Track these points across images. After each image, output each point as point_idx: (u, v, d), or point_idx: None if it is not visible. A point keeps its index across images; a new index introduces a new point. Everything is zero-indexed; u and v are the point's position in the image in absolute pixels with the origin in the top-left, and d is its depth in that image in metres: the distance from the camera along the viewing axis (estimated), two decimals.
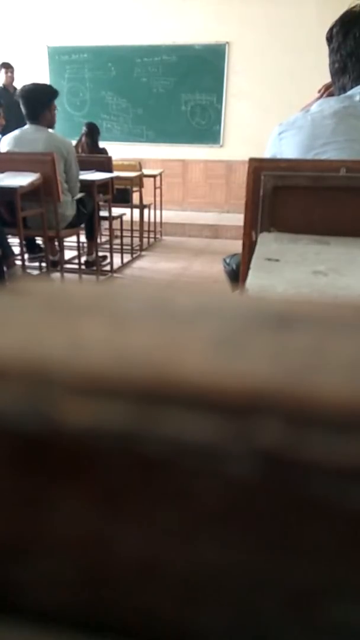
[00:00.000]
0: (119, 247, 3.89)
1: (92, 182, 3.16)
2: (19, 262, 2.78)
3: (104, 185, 3.36)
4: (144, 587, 0.13)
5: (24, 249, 2.87)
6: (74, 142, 3.53)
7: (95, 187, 3.17)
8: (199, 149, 5.77)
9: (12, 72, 4.92)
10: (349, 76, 1.11)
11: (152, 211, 4.43)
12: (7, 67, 4.90)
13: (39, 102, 2.85)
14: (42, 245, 3.14)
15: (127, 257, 3.96)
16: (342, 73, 1.12)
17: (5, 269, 2.66)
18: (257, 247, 0.87)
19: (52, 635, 0.14)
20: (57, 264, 3.16)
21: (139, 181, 4.06)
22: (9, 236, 2.72)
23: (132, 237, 4.07)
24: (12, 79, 4.93)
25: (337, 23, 1.12)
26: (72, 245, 3.58)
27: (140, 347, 0.14)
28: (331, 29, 1.13)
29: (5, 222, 2.69)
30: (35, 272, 3.24)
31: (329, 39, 1.13)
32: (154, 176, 4.37)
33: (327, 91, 1.26)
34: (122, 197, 3.85)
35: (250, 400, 0.12)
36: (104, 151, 4.31)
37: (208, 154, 5.76)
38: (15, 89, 4.93)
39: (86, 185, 3.11)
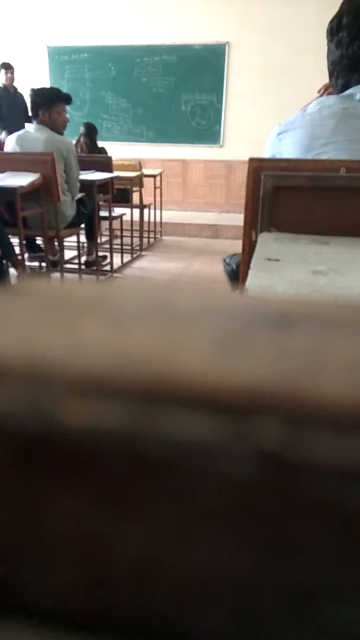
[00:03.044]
0: (119, 247, 3.89)
1: (92, 182, 3.16)
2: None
3: (104, 185, 3.36)
4: (143, 587, 0.13)
5: (25, 249, 2.88)
6: (73, 142, 3.54)
7: (95, 187, 3.17)
8: (198, 149, 5.77)
9: (12, 73, 4.93)
10: (358, 74, 1.04)
11: (152, 211, 4.43)
12: (7, 67, 4.91)
13: (40, 103, 2.90)
14: (42, 245, 3.14)
15: (127, 257, 3.96)
16: (348, 70, 1.06)
17: (6, 268, 2.66)
18: (257, 247, 0.87)
19: (52, 635, 0.14)
20: (57, 264, 3.16)
21: (139, 181, 4.06)
22: (9, 236, 2.72)
23: (132, 237, 4.07)
24: (13, 79, 4.94)
25: (349, 12, 1.02)
26: (72, 245, 3.59)
27: (140, 347, 0.14)
28: (339, 18, 1.03)
29: (6, 222, 2.69)
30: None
31: (335, 29, 1.04)
32: (154, 176, 4.37)
33: (327, 91, 1.26)
34: (122, 197, 3.85)
35: (251, 400, 0.12)
36: (103, 151, 4.31)
37: (208, 154, 5.76)
38: (15, 89, 4.94)
39: (86, 185, 3.11)
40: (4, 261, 2.63)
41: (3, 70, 4.89)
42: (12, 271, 2.75)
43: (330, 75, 1.12)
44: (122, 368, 0.13)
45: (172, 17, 5.44)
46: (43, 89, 2.99)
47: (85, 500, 0.13)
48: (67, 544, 0.13)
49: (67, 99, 3.01)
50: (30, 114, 3.05)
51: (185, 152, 5.80)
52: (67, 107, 3.05)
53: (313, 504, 0.11)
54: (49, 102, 2.92)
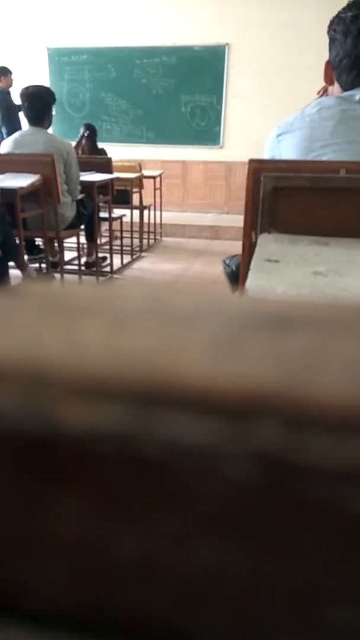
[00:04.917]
0: (118, 248, 3.89)
1: (92, 183, 3.16)
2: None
3: (104, 187, 3.36)
4: (143, 588, 0.13)
5: (24, 251, 2.88)
6: (73, 144, 3.53)
7: (95, 188, 3.17)
8: (198, 150, 5.77)
9: (9, 75, 4.98)
10: None
11: (152, 212, 4.43)
12: (6, 71, 4.95)
13: (45, 105, 2.87)
14: (42, 247, 3.14)
15: (127, 258, 3.96)
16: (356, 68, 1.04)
17: (7, 269, 2.66)
18: (257, 248, 0.87)
19: (51, 636, 0.14)
20: (57, 265, 3.16)
21: (138, 182, 4.06)
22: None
23: (132, 238, 4.07)
24: (11, 82, 4.98)
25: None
26: (72, 246, 3.58)
27: (140, 349, 0.14)
28: (352, 15, 1.02)
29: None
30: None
31: (347, 25, 1.02)
32: (154, 177, 4.37)
33: (326, 93, 1.26)
34: (122, 198, 3.85)
35: (249, 402, 0.12)
36: (102, 152, 4.31)
37: (208, 155, 5.76)
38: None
39: (86, 187, 3.11)
40: (6, 262, 2.63)
41: (6, 75, 4.94)
42: (13, 272, 2.75)
43: (335, 71, 1.09)
44: (122, 370, 0.13)
45: (172, 18, 5.44)
46: (40, 92, 2.88)
47: (85, 502, 0.13)
48: (67, 545, 0.13)
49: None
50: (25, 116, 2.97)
51: (185, 153, 5.80)
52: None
53: (312, 505, 0.11)
54: (51, 105, 2.92)
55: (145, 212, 4.28)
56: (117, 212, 3.85)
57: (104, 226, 3.76)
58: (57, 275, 3.14)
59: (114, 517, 0.13)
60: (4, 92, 4.93)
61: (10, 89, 4.93)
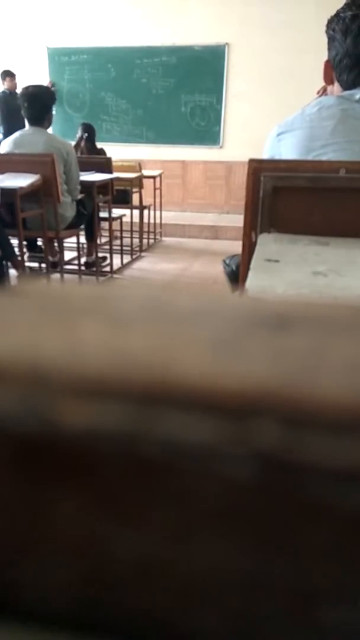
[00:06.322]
0: (118, 248, 3.89)
1: (92, 183, 3.16)
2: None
3: (104, 186, 3.36)
4: (142, 588, 0.13)
5: (25, 249, 2.88)
6: (72, 144, 3.53)
7: (95, 188, 3.17)
8: (198, 150, 5.77)
9: (13, 78, 5.03)
10: None
11: (151, 212, 4.43)
12: (9, 74, 4.99)
13: (45, 105, 2.87)
14: (42, 246, 3.14)
15: (127, 258, 3.96)
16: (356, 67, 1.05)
17: (6, 269, 2.66)
18: (256, 248, 0.87)
19: (51, 636, 0.14)
20: (56, 265, 3.16)
21: (138, 182, 4.06)
22: (9, 237, 2.72)
23: (132, 238, 4.07)
24: (15, 85, 5.02)
25: None
26: (72, 246, 3.58)
27: (139, 349, 0.14)
28: (351, 14, 1.01)
29: (5, 223, 2.69)
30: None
31: (346, 24, 1.02)
32: (154, 177, 4.37)
33: (326, 92, 1.26)
34: (122, 198, 3.84)
35: (249, 402, 0.12)
36: (102, 152, 4.31)
37: (208, 155, 5.76)
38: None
39: (86, 187, 3.11)
40: (4, 262, 2.63)
41: (7, 78, 4.99)
42: (13, 272, 2.75)
43: (335, 70, 1.09)
44: (121, 370, 0.13)
45: (172, 18, 5.44)
46: (40, 92, 2.88)
47: (84, 501, 0.13)
48: (67, 545, 0.13)
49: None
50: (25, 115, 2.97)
51: (185, 153, 5.80)
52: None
53: (311, 505, 0.11)
54: (51, 105, 2.92)
55: (145, 212, 4.27)
56: (117, 212, 3.84)
57: (104, 226, 3.76)
58: (57, 275, 3.14)
59: (114, 517, 0.13)
60: (5, 92, 4.97)
61: (17, 91, 4.96)
